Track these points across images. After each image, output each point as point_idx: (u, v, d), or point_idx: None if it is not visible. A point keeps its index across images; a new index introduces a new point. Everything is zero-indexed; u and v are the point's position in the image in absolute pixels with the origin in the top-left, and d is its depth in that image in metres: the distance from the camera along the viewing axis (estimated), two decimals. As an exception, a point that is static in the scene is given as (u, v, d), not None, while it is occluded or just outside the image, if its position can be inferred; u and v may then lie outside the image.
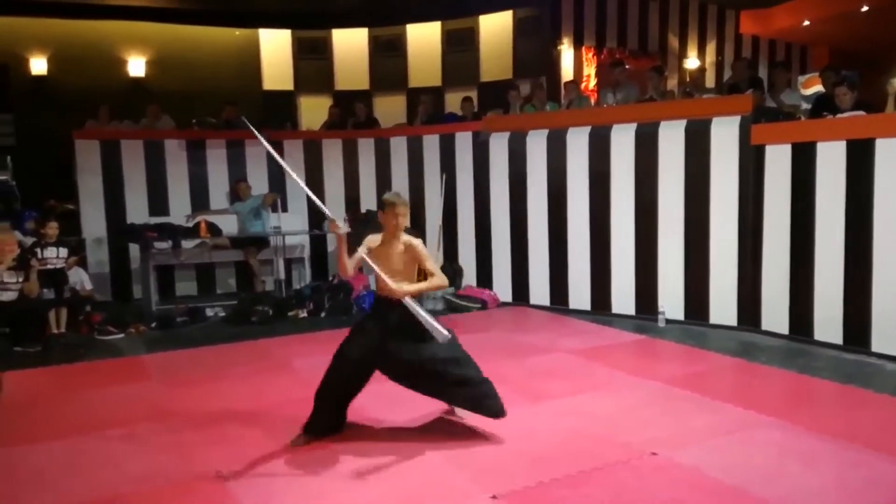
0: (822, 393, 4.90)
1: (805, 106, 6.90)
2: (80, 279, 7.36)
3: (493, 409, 4.01)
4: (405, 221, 4.03)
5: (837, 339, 5.83)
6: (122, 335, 6.86)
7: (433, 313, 6.63)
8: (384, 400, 4.71)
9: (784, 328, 6.25)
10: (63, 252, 6.84)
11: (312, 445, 3.95)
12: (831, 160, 5.80)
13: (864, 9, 11.20)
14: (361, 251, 3.90)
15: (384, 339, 3.98)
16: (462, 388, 3.99)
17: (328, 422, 4.08)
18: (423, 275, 4.17)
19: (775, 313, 6.31)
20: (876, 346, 5.59)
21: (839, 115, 5.93)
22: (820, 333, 5.96)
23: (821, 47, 13.98)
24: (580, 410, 4.48)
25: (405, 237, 4.05)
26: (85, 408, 4.77)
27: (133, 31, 11.38)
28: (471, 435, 4.11)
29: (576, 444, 3.95)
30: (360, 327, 4.12)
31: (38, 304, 6.50)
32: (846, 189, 5.72)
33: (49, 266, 6.60)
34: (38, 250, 6.63)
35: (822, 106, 6.36)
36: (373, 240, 4.02)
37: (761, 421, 4.21)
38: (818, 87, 7.21)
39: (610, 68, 9.23)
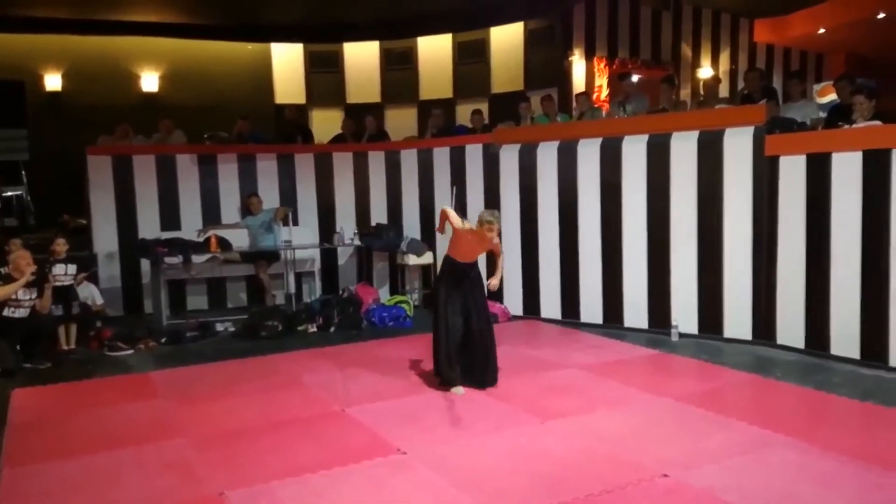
0: (839, 410, 4.79)
1: (821, 115, 6.80)
2: (90, 294, 7.37)
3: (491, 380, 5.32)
4: (494, 236, 5.22)
5: (854, 353, 5.71)
6: (131, 351, 6.85)
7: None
8: (392, 418, 4.66)
9: (800, 342, 6.13)
10: (72, 269, 6.84)
11: (318, 464, 3.90)
12: (847, 171, 5.69)
13: (881, 15, 11.06)
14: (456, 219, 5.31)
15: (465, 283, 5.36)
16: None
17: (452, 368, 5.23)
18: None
19: (791, 327, 6.19)
20: (894, 361, 5.47)
21: (855, 126, 5.83)
22: (837, 348, 5.84)
23: (837, 55, 13.83)
24: (591, 429, 4.40)
25: (491, 235, 5.23)
26: (93, 426, 4.74)
27: (146, 46, 11.49)
28: (479, 454, 4.05)
29: (586, 464, 3.87)
30: (442, 279, 5.43)
31: (48, 320, 6.51)
32: (862, 200, 5.61)
33: (58, 283, 6.61)
34: (48, 267, 6.64)
35: (837, 116, 6.26)
36: (463, 233, 5.30)
37: (777, 440, 4.11)
38: (833, 96, 7.13)
39: (618, 80, 9.17)
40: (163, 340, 7.16)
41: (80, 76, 11.25)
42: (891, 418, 4.53)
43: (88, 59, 11.27)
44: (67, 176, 9.34)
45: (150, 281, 8.37)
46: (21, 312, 6.32)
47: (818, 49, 13.80)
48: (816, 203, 5.93)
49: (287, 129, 10.19)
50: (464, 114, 11.06)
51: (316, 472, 3.83)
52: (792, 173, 6.12)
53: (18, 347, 6.32)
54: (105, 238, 8.56)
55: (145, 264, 8.38)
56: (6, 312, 6.24)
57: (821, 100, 8.12)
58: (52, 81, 11.18)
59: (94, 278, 7.76)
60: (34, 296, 6.38)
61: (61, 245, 6.88)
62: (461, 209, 8.36)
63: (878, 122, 5.74)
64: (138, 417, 4.90)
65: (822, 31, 12.08)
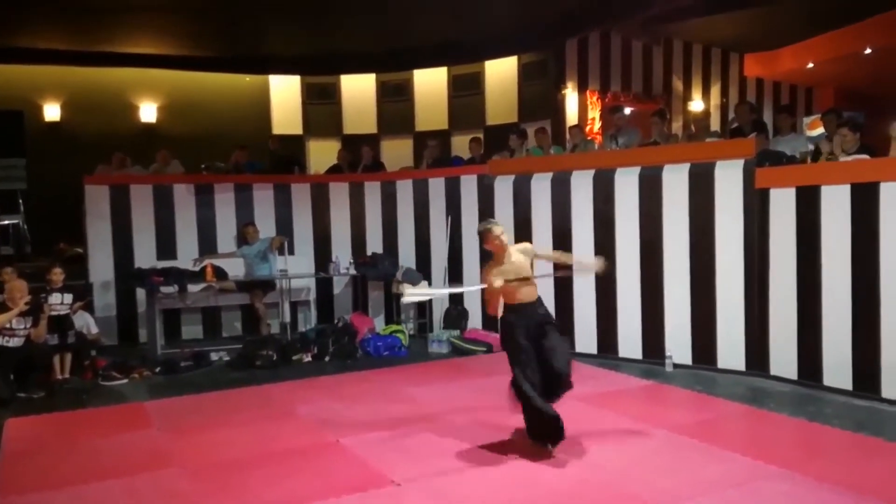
0: (832, 441, 4.81)
1: (810, 147, 6.92)
2: (85, 323, 7.36)
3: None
4: (506, 238, 4.60)
5: (847, 384, 5.74)
6: (126, 380, 6.84)
7: (439, 356, 6.54)
8: (387, 449, 4.67)
9: (793, 373, 6.16)
10: (68, 298, 6.86)
11: (312, 496, 3.89)
12: (836, 204, 5.78)
13: (868, 51, 11.28)
14: (497, 282, 4.40)
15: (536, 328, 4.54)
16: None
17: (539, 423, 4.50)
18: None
19: (784, 358, 6.23)
20: (886, 392, 5.51)
21: (842, 159, 5.93)
22: (829, 379, 5.88)
23: (826, 88, 14.05)
24: (586, 460, 4.41)
25: (514, 246, 4.67)
26: (86, 456, 4.73)
27: (145, 78, 11.61)
28: (473, 485, 4.05)
29: (581, 496, 3.88)
30: (513, 329, 4.56)
31: (44, 349, 6.51)
32: (852, 232, 5.69)
33: (54, 312, 6.62)
34: (44, 296, 6.66)
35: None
36: (494, 266, 4.58)
37: (770, 472, 4.13)
38: (822, 129, 7.26)
39: (610, 114, 9.29)
40: (157, 370, 7.15)
41: (78, 107, 11.35)
42: (883, 449, 4.56)
43: (87, 89, 11.37)
44: (65, 205, 9.37)
45: (145, 310, 8.36)
46: (16, 341, 6.33)
47: (807, 83, 14.01)
48: (807, 235, 6.02)
49: (278, 160, 10.26)
50: (459, 145, 11.19)
51: (310, 503, 3.82)
52: (782, 205, 6.22)
53: (12, 376, 6.31)
54: (101, 267, 8.57)
55: (141, 293, 8.39)
56: (0, 341, 6.25)
57: (811, 133, 8.27)
58: (52, 111, 11.28)
59: (89, 307, 7.76)
60: (29, 325, 6.38)
61: (57, 274, 6.89)
62: (456, 239, 8.48)
63: (865, 156, 5.85)
64: (132, 447, 4.89)
65: (810, 65, 12.29)
